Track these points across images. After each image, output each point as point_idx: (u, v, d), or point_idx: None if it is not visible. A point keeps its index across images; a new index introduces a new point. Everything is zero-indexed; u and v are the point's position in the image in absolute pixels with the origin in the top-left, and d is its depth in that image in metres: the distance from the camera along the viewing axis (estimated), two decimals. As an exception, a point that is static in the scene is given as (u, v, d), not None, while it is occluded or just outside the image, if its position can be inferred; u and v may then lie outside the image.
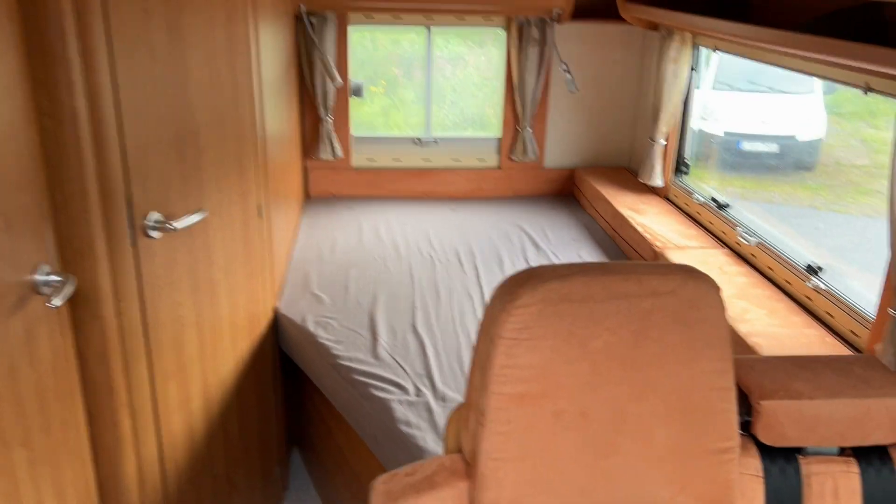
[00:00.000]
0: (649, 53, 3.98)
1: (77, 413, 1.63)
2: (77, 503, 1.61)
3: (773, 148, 5.81)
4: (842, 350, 2.32)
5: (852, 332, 2.38)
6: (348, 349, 2.54)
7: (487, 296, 2.95)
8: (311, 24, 3.69)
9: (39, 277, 1.40)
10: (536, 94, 4.02)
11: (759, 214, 3.18)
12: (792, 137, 5.83)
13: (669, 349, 1.15)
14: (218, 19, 2.13)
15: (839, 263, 2.61)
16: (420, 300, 2.91)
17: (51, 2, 1.38)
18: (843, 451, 1.31)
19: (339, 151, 4.03)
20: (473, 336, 2.65)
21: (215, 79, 2.13)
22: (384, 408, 2.22)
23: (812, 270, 2.62)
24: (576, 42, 4.03)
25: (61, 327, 1.52)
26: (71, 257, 1.55)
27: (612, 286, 1.13)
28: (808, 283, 2.58)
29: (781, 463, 1.28)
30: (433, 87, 4.22)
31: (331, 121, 3.94)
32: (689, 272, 1.17)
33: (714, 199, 3.37)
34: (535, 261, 3.34)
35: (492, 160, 4.27)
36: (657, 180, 3.74)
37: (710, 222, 3.34)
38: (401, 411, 2.19)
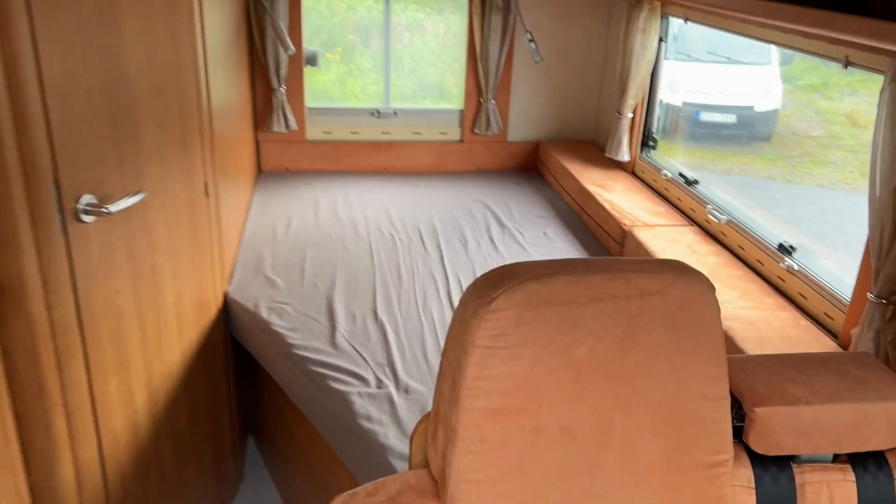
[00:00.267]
0: (616, 23, 3.85)
1: (3, 416, 1.51)
2: None
3: (730, 118, 5.80)
4: (816, 333, 2.26)
5: (826, 314, 2.31)
6: (304, 337, 2.39)
7: (452, 277, 2.82)
8: (262, -13, 3.48)
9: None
10: (500, 65, 3.88)
11: (720, 186, 3.13)
12: (750, 108, 5.83)
13: (659, 356, 1.04)
14: (156, -21, 1.95)
15: (796, 235, 2.57)
16: (381, 283, 2.77)
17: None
18: (836, 458, 1.22)
19: (293, 124, 3.84)
20: (437, 321, 2.53)
21: (154, 45, 1.95)
22: (343, 401, 2.09)
23: (784, 250, 2.55)
24: (541, 10, 3.89)
25: (-19, 325, 1.38)
26: (-9, 247, 1.41)
27: (597, 286, 1.01)
28: (781, 265, 2.51)
29: (774, 472, 1.19)
30: (391, 55, 4.04)
31: (284, 91, 3.74)
32: (679, 269, 1.06)
33: (682, 175, 3.29)
34: (500, 239, 3.22)
35: (454, 133, 4.12)
36: (624, 155, 3.64)
37: (679, 199, 3.25)
38: (361, 405, 2.06)
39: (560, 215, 3.53)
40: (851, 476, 1.20)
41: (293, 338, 2.38)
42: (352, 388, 2.13)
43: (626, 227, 3.01)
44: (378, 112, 4.03)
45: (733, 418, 1.15)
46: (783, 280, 2.52)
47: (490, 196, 3.73)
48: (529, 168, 4.21)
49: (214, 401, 2.60)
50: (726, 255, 2.77)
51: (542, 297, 0.99)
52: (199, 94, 2.29)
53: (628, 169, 3.72)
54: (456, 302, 2.64)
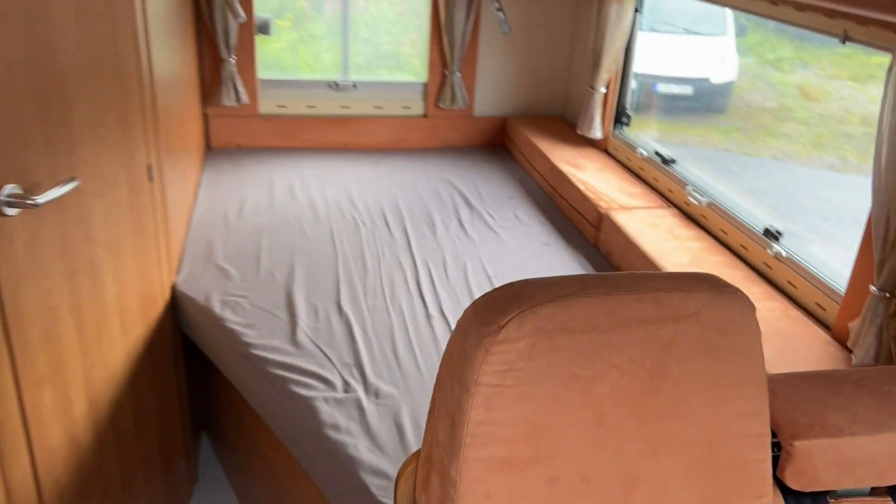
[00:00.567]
0: (587, -8, 3.67)
1: None
2: None
3: (687, 90, 5.75)
4: (809, 325, 2.15)
5: (818, 304, 2.20)
6: (262, 335, 2.18)
7: (420, 265, 2.64)
8: (209, -52, 3.21)
9: None
10: (466, 35, 3.67)
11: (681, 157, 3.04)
12: (706, 80, 5.76)
13: (693, 390, 0.88)
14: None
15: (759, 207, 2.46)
16: (344, 272, 2.57)
17: None
18: (874, 490, 1.09)
19: (245, 97, 3.58)
20: (407, 313, 2.34)
21: (85, 11, 1.71)
22: (307, 407, 1.90)
23: (771, 235, 2.43)
24: (509, -23, 3.68)
25: None
26: None
27: (623, 309, 0.84)
28: (769, 251, 2.38)
29: None
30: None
31: (234, 62, 3.48)
32: (716, 286, 0.89)
33: (658, 154, 3.14)
34: (469, 222, 3.04)
35: (417, 108, 3.91)
36: (596, 132, 3.48)
37: (655, 179, 3.11)
38: (327, 412, 1.88)
39: (531, 196, 3.37)
40: None
41: (250, 336, 2.18)
42: (316, 393, 1.94)
43: (602, 210, 2.86)
44: (336, 84, 3.80)
45: None
46: (770, 267, 2.40)
47: (457, 175, 3.55)
48: (496, 144, 4.03)
49: (164, 401, 2.39)
50: (708, 240, 2.64)
51: (559, 322, 0.82)
52: (140, 67, 2.05)
53: (600, 147, 3.57)
54: (427, 293, 2.46)
